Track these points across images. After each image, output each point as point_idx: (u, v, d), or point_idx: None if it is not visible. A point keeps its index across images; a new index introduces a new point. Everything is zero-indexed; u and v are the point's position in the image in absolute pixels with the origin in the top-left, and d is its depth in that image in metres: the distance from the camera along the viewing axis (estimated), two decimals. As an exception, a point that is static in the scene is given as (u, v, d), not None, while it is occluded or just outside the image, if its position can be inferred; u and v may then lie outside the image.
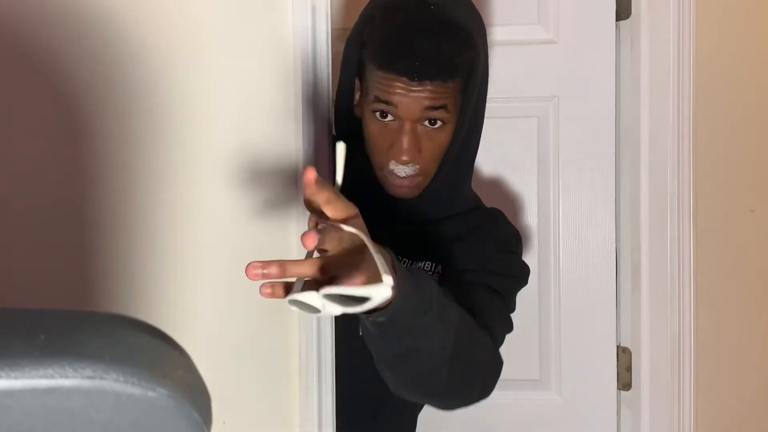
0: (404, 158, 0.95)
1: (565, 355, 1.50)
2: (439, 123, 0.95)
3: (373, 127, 0.97)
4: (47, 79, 0.75)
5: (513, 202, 1.51)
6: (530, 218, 1.51)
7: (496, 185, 1.52)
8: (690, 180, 1.40)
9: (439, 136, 0.97)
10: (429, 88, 0.92)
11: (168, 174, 0.80)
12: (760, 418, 1.49)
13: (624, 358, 1.50)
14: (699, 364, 1.42)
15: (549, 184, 1.50)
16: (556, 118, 1.49)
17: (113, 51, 0.76)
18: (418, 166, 0.97)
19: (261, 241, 0.86)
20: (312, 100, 0.87)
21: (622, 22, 1.48)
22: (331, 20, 0.91)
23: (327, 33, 0.89)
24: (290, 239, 0.86)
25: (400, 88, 0.92)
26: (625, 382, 1.50)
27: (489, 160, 1.51)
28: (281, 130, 0.86)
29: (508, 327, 0.99)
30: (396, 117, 0.95)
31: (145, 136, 0.78)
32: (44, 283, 0.76)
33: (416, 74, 0.91)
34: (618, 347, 1.51)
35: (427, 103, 0.93)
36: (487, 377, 0.88)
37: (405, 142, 0.94)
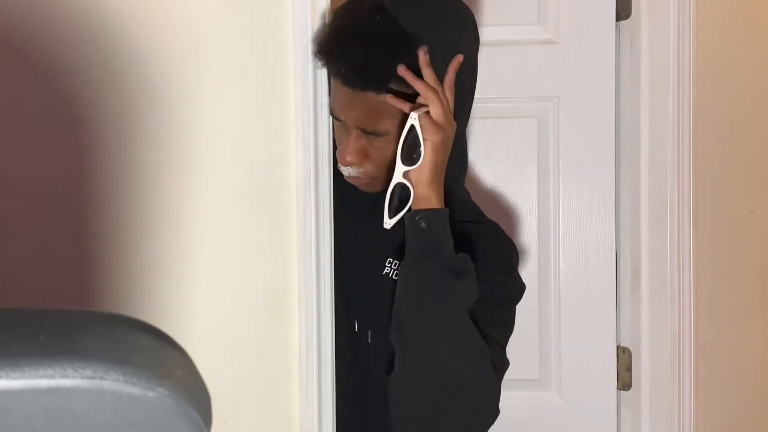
0: (348, 159, 0.94)
1: (565, 355, 1.50)
2: (381, 134, 0.93)
3: (334, 126, 0.97)
4: (47, 78, 0.75)
5: (513, 202, 1.51)
6: (530, 218, 1.51)
7: (496, 186, 1.51)
8: (690, 180, 1.40)
9: (385, 147, 0.94)
10: (364, 98, 0.90)
11: (167, 173, 0.80)
12: (760, 418, 1.49)
13: (624, 358, 1.50)
14: (699, 364, 1.42)
15: (549, 184, 1.50)
16: (556, 118, 1.48)
17: (113, 51, 0.76)
18: (362, 170, 0.96)
19: (261, 241, 0.86)
20: (312, 101, 0.87)
21: (622, 22, 1.48)
22: (331, 20, 0.91)
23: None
24: (290, 239, 0.86)
25: (341, 92, 0.91)
26: (625, 382, 1.50)
27: (489, 161, 1.51)
28: (281, 131, 0.86)
29: (503, 365, 0.99)
30: (343, 121, 0.94)
31: (144, 135, 0.78)
32: (44, 283, 0.76)
33: (346, 80, 0.89)
34: (618, 347, 1.51)
35: (358, 122, 0.92)
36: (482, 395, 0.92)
37: (348, 144, 0.94)
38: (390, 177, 0.96)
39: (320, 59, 0.89)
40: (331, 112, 0.95)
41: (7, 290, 0.74)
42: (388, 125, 0.92)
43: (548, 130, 1.49)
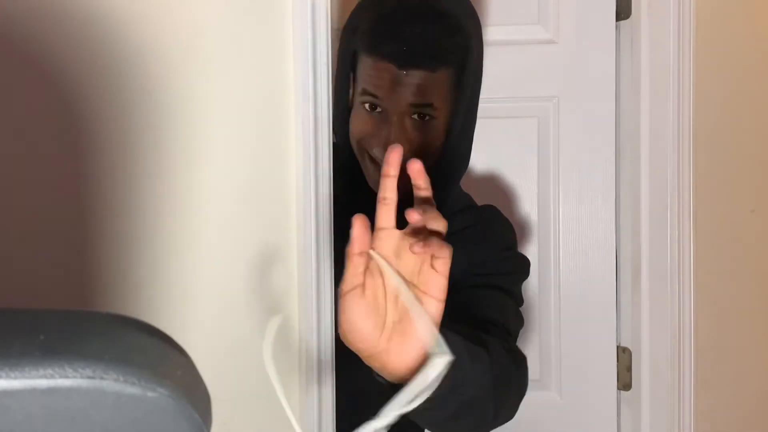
0: (396, 148, 0.94)
1: (565, 355, 1.50)
2: (427, 117, 0.93)
3: (360, 118, 0.96)
4: (46, 78, 0.75)
5: (513, 202, 1.51)
6: (530, 218, 1.51)
7: (496, 185, 1.52)
8: (690, 180, 1.40)
9: (428, 130, 0.94)
10: (416, 78, 0.90)
11: (166, 174, 0.80)
12: (761, 418, 1.49)
13: (624, 358, 1.50)
14: (699, 364, 1.42)
15: (549, 184, 1.50)
16: (556, 118, 1.49)
17: (113, 51, 0.76)
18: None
19: (261, 241, 0.86)
20: (312, 100, 0.87)
21: (622, 22, 1.48)
22: (331, 20, 0.91)
23: (327, 32, 0.89)
24: (290, 239, 0.86)
25: (388, 77, 0.91)
26: (625, 382, 1.50)
27: (489, 161, 1.51)
28: (281, 131, 0.86)
29: (521, 322, 0.99)
30: (383, 109, 0.94)
31: (144, 136, 0.78)
32: (44, 283, 0.76)
33: (403, 60, 0.90)
34: (618, 347, 1.51)
35: (413, 97, 0.91)
36: (521, 391, 0.92)
37: (392, 133, 0.93)
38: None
39: (372, 44, 0.91)
40: (368, 105, 0.95)
41: (7, 290, 0.74)
42: (435, 105, 0.93)
43: (548, 130, 1.49)
